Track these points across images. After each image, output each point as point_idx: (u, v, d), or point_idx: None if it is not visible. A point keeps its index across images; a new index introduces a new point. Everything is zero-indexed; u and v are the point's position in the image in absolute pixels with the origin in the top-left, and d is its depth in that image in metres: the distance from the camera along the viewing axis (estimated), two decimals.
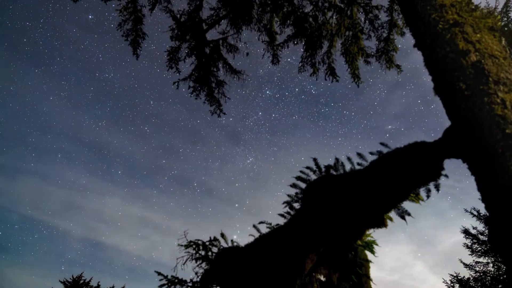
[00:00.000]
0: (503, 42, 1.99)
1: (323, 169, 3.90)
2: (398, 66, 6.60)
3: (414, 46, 2.36)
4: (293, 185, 4.04)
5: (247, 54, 6.37)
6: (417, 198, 3.33)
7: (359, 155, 3.52)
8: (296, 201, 3.96)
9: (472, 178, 1.75)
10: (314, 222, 2.88)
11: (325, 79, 6.75)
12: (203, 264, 3.38)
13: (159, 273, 3.38)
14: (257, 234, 3.52)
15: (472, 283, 11.73)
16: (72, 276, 14.71)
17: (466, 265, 12.23)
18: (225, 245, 3.52)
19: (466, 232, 12.57)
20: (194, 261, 3.42)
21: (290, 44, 6.57)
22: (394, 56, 6.51)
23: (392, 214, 3.42)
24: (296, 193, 4.00)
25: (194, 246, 3.49)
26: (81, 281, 14.72)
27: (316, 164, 3.96)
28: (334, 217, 2.84)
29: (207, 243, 3.51)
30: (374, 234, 4.54)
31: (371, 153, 3.31)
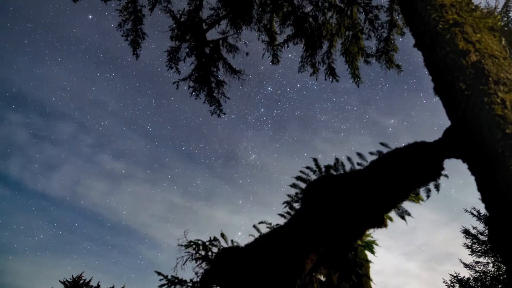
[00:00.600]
0: (503, 42, 1.99)
1: (323, 169, 3.90)
2: (398, 66, 6.60)
3: (414, 46, 2.36)
4: (293, 185, 4.04)
5: (247, 54, 6.37)
6: (417, 198, 3.33)
7: (359, 155, 3.52)
8: (296, 201, 3.96)
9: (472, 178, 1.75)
10: (314, 222, 2.88)
11: (325, 79, 6.75)
12: (203, 264, 3.38)
13: (159, 273, 3.38)
14: (257, 234, 3.52)
15: (472, 283, 11.73)
16: (72, 276, 14.71)
17: (466, 265, 12.23)
18: (225, 245, 3.52)
19: (466, 232, 12.56)
20: (194, 261, 3.42)
21: (290, 44, 6.57)
22: (394, 56, 6.51)
23: (392, 214, 3.42)
24: (296, 193, 4.00)
25: (194, 246, 3.49)
26: (81, 281, 14.72)
27: (316, 164, 3.96)
28: (334, 217, 2.84)
29: (207, 243, 3.51)
30: (374, 234, 4.54)
31: (371, 153, 3.31)
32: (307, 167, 4.00)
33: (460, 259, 12.44)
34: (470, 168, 1.79)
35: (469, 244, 12.37)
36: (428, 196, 3.18)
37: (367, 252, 4.08)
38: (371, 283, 3.92)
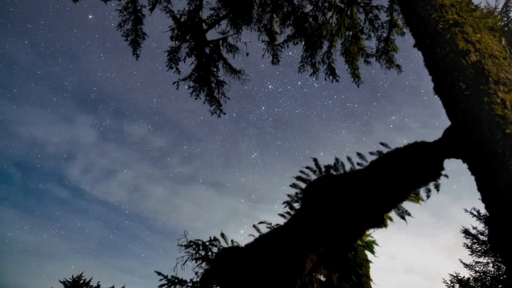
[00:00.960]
0: (503, 42, 1.99)
1: (323, 169, 3.89)
2: (398, 66, 6.60)
3: (414, 46, 2.35)
4: (293, 185, 4.04)
5: (247, 54, 6.37)
6: (417, 198, 3.33)
7: (359, 155, 3.51)
8: (296, 201, 3.96)
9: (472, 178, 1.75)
10: (314, 222, 2.88)
11: (325, 79, 6.75)
12: (203, 264, 3.38)
13: (159, 273, 3.38)
14: (257, 234, 3.52)
15: (472, 283, 11.72)
16: (72, 276, 14.71)
17: (466, 265, 12.22)
18: (225, 245, 3.52)
19: (466, 232, 12.56)
20: (194, 261, 3.42)
21: (290, 44, 6.57)
22: (394, 56, 6.51)
23: (392, 214, 3.42)
24: (296, 193, 4.00)
25: (194, 246, 3.49)
26: (81, 281, 14.72)
27: (316, 164, 3.96)
28: (334, 217, 2.84)
29: (207, 243, 3.51)
30: (374, 234, 4.54)
31: (371, 153, 3.31)
32: (307, 167, 4.00)
33: (460, 259, 12.45)
34: (470, 168, 1.79)
35: (469, 244, 12.36)
36: (428, 196, 3.18)
37: (367, 252, 4.08)
38: (371, 283, 3.92)
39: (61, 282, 14.47)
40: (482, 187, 1.63)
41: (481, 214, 12.10)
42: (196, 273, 3.33)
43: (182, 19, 5.95)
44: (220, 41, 6.30)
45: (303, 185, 3.94)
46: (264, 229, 3.63)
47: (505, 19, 2.80)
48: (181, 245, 3.51)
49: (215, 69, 6.46)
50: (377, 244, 4.09)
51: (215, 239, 3.57)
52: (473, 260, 12.16)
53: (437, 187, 3.04)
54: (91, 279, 15.04)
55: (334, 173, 3.77)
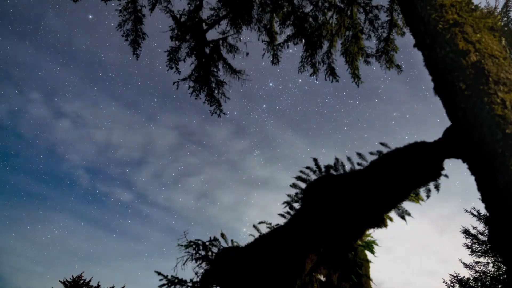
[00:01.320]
0: (503, 42, 1.99)
1: (323, 169, 3.90)
2: (398, 66, 6.60)
3: (414, 46, 2.35)
4: (293, 185, 4.04)
5: (247, 54, 6.37)
6: (417, 198, 3.33)
7: (359, 155, 3.52)
8: (296, 201, 3.96)
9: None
10: (314, 222, 2.88)
11: (325, 79, 6.75)
12: (203, 264, 3.38)
13: (159, 273, 3.38)
14: (257, 234, 3.52)
15: (472, 283, 11.72)
16: (72, 276, 14.71)
17: (466, 265, 12.22)
18: (225, 245, 3.52)
19: (466, 232, 12.55)
20: (194, 261, 3.42)
21: (290, 44, 6.57)
22: (394, 56, 6.51)
23: (392, 214, 3.42)
24: (296, 193, 4.00)
25: (194, 246, 3.49)
26: (81, 281, 14.72)
27: (316, 164, 3.96)
28: (334, 217, 2.84)
29: (207, 243, 3.51)
30: (374, 234, 4.54)
31: (371, 153, 3.31)
32: (307, 167, 4.00)
33: (460, 259, 12.44)
34: (470, 168, 1.79)
35: (469, 244, 12.36)
36: (428, 196, 3.18)
37: (367, 252, 4.08)
38: (371, 283, 3.92)
39: (61, 282, 14.46)
40: (482, 187, 1.63)
41: (481, 214, 12.09)
42: (196, 273, 3.33)
43: (182, 19, 5.95)
44: (220, 41, 6.30)
45: (303, 185, 3.95)
46: (264, 229, 3.63)
47: (505, 19, 2.80)
48: (181, 245, 3.51)
49: (215, 69, 6.46)
50: (377, 244, 4.09)
51: (215, 239, 3.57)
52: (473, 260, 12.16)
53: (437, 187, 3.04)
54: (91, 279, 15.04)
55: (334, 173, 3.77)
